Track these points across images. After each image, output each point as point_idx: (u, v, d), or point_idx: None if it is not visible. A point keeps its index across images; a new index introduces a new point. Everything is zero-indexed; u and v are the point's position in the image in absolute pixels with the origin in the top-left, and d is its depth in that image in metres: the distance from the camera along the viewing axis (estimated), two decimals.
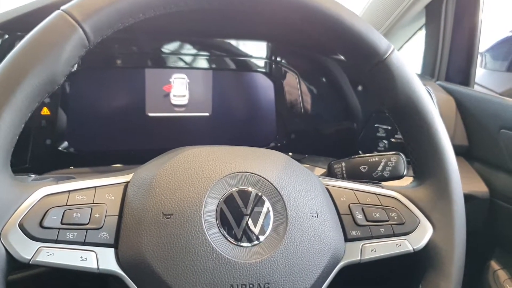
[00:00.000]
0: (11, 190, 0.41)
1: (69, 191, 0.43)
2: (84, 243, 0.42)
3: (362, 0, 1.14)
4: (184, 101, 0.81)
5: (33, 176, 0.54)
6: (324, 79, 0.89)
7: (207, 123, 0.84)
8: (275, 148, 0.88)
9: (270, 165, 0.49)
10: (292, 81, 0.88)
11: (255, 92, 0.87)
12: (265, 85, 0.87)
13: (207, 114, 0.83)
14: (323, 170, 0.76)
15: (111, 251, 0.43)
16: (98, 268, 0.42)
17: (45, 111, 0.72)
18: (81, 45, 0.42)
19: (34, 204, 0.41)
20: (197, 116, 0.83)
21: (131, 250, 0.42)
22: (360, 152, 0.90)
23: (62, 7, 0.42)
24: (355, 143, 0.92)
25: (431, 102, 0.53)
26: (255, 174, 0.47)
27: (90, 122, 0.78)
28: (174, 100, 0.81)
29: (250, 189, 0.46)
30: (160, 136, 0.81)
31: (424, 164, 0.54)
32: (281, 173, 0.48)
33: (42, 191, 0.42)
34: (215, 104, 0.83)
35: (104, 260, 0.42)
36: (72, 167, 0.77)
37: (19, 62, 0.40)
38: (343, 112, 0.92)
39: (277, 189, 0.47)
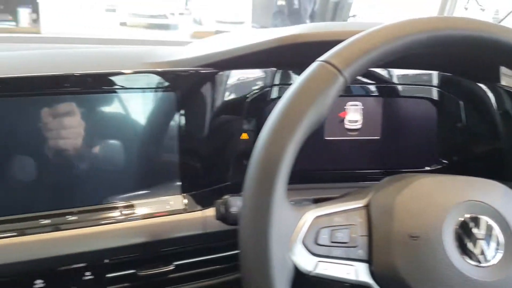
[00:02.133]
0: (291, 213, 0.50)
1: (329, 214, 0.52)
2: (347, 259, 0.50)
3: None
4: (357, 125, 0.89)
5: None
6: (484, 107, 0.92)
7: (376, 146, 0.90)
8: (436, 171, 0.93)
9: (494, 194, 0.54)
10: (453, 107, 0.92)
11: (419, 117, 0.92)
12: (429, 111, 0.92)
13: (377, 137, 0.90)
14: None
15: (365, 266, 0.51)
16: (357, 280, 0.50)
17: (244, 136, 0.83)
18: (340, 89, 0.51)
19: (310, 224, 0.50)
20: (367, 139, 0.90)
21: (383, 266, 0.50)
22: None
23: (321, 59, 0.52)
24: None
25: None
26: (483, 202, 0.53)
27: None
28: (348, 125, 0.88)
29: (480, 216, 0.52)
30: (335, 157, 0.89)
31: None
32: (504, 202, 0.54)
33: (311, 213, 0.51)
34: (384, 128, 0.90)
35: (360, 273, 0.51)
36: None
37: (297, 107, 0.50)
38: (503, 139, 0.94)
39: (503, 216, 0.52)
